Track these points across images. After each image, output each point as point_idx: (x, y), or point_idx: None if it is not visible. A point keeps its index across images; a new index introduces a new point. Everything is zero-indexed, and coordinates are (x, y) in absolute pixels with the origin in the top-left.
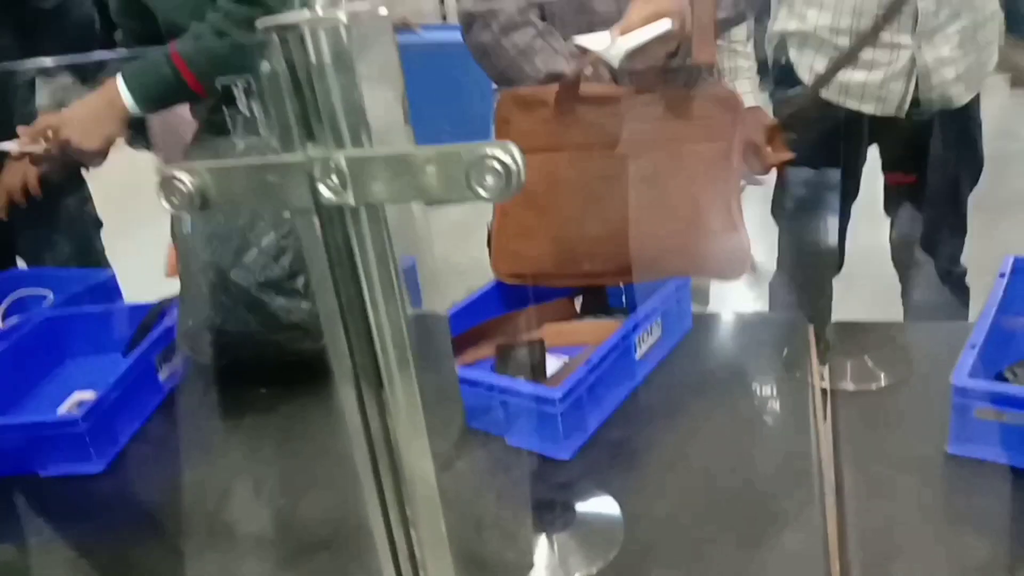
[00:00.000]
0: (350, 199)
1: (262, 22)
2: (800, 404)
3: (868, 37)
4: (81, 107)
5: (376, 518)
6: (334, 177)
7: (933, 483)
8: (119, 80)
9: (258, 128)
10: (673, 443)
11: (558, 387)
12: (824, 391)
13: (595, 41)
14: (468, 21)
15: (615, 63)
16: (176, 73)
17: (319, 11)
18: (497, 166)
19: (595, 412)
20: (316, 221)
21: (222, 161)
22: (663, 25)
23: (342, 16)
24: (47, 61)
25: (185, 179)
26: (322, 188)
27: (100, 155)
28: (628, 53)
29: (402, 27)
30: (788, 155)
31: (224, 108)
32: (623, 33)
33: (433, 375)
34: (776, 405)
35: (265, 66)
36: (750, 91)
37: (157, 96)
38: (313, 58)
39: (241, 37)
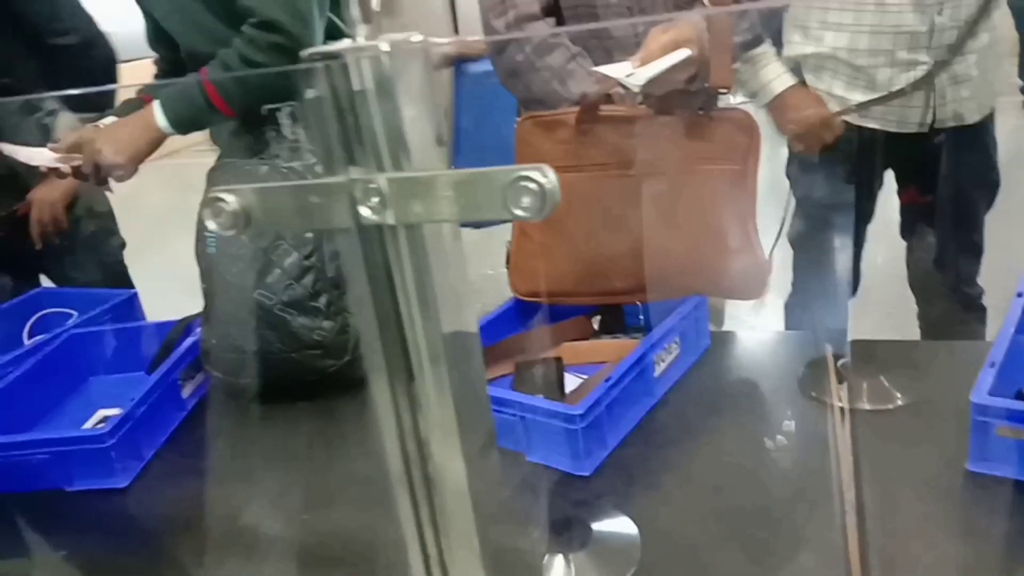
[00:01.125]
0: (390, 219)
1: (307, 51)
2: (819, 423)
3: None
4: (118, 125)
5: (407, 520)
6: (374, 198)
7: (954, 501)
8: (155, 103)
9: (286, 152)
10: (692, 462)
11: (579, 404)
12: (842, 410)
13: (615, 70)
14: (501, 45)
15: (636, 90)
16: (207, 97)
17: (362, 41)
18: (533, 187)
19: (614, 429)
20: (357, 240)
21: (267, 184)
22: (682, 54)
23: (384, 45)
24: (66, 93)
25: (230, 199)
26: (363, 209)
27: (129, 172)
28: (649, 81)
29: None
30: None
31: (248, 132)
32: (643, 62)
33: (466, 388)
34: (795, 425)
35: (310, 92)
36: (783, 72)
37: (190, 119)
38: (356, 85)
39: (265, 62)
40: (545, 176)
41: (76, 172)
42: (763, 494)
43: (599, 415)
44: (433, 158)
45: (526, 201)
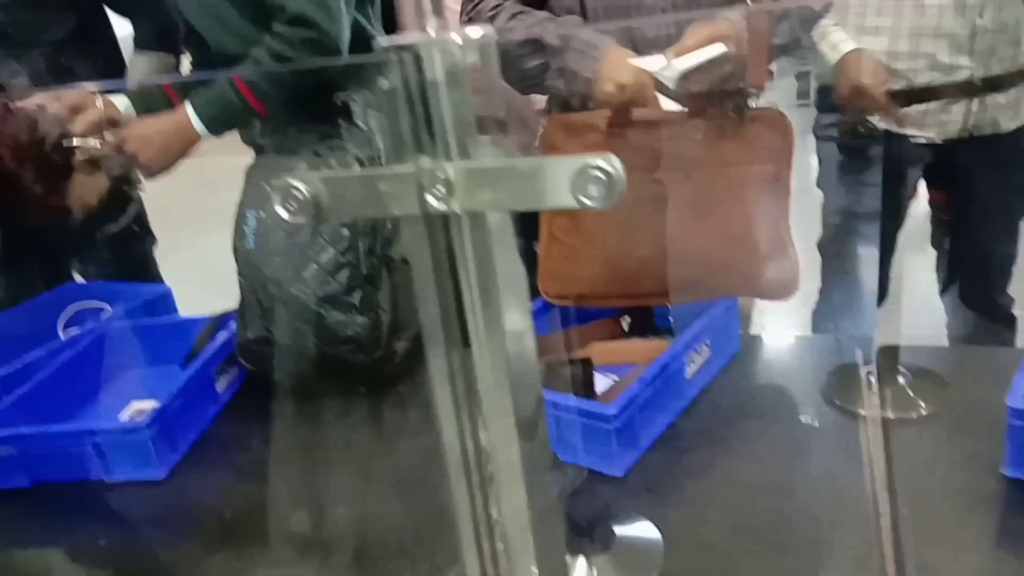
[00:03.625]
0: (456, 207)
1: (380, 42)
2: (851, 431)
3: None
4: (153, 129)
5: (461, 492)
6: (441, 187)
7: (991, 507)
8: (188, 107)
9: (356, 141)
10: (721, 467)
11: (612, 403)
12: (874, 418)
13: (651, 62)
14: None
15: (671, 84)
16: (241, 97)
17: (432, 33)
18: (600, 175)
19: (646, 431)
20: (423, 227)
21: (336, 172)
22: (719, 48)
23: (456, 38)
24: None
25: (301, 187)
26: (430, 197)
27: (160, 174)
28: (683, 74)
29: None
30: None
31: (285, 128)
32: (679, 55)
33: (521, 368)
34: (826, 432)
35: (383, 83)
36: (845, 38)
37: (225, 119)
38: (429, 76)
39: (298, 58)
40: (612, 165)
41: (104, 167)
42: (792, 503)
43: (632, 415)
44: (500, 148)
45: (593, 190)
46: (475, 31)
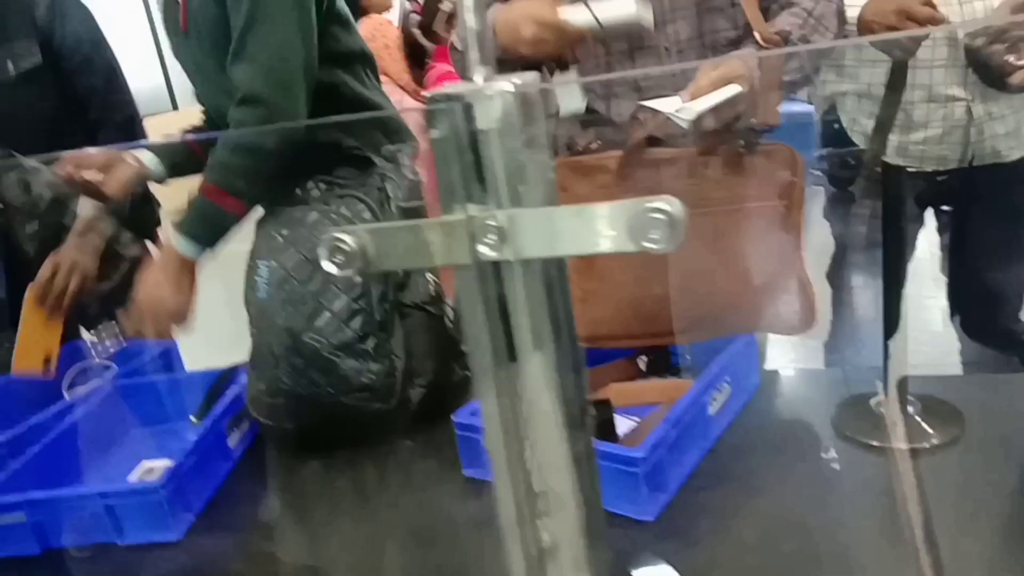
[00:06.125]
0: (508, 254)
1: (433, 94)
2: (880, 464)
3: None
4: (157, 279)
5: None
6: (493, 235)
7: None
8: (176, 241)
9: (404, 191)
10: (748, 506)
11: (640, 446)
12: (900, 449)
13: (664, 104)
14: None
15: (685, 125)
16: (217, 208)
17: (480, 82)
18: (662, 217)
19: (674, 471)
20: (475, 276)
21: (383, 224)
22: (732, 89)
23: (508, 86)
24: None
25: (348, 240)
26: (481, 246)
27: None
28: (698, 115)
29: None
30: None
31: (290, 183)
32: (693, 97)
33: (571, 419)
34: (855, 466)
35: (435, 132)
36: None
37: (213, 235)
38: (481, 124)
39: (260, 141)
40: (672, 206)
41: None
42: (819, 539)
43: (660, 457)
44: (551, 194)
45: (656, 233)
46: (520, 77)
